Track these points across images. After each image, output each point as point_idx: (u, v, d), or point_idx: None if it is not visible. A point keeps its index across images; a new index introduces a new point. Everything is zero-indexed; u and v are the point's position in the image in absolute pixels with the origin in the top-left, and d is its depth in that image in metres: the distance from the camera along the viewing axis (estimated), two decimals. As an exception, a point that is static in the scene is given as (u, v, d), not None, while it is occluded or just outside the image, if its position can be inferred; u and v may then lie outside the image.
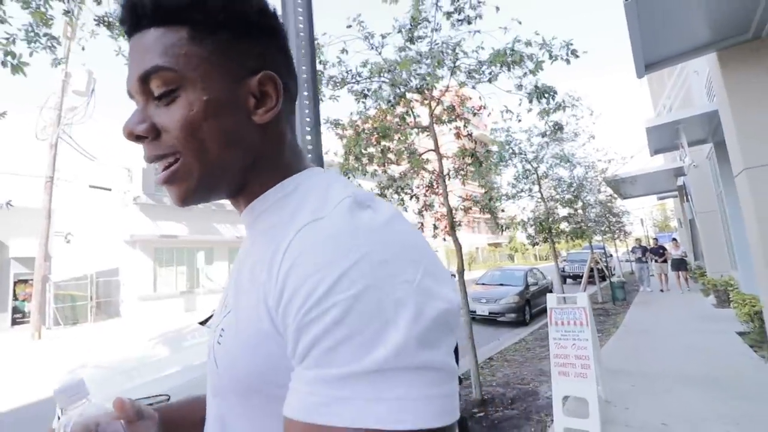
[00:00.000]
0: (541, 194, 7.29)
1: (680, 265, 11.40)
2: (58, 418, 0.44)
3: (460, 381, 4.80)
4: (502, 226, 6.46)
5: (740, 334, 5.36)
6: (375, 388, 0.31)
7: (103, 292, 17.34)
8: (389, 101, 3.51)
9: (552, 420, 3.09)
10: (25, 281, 15.88)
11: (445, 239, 4.52)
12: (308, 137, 1.18)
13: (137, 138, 0.45)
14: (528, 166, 6.64)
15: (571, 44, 3.18)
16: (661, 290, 11.56)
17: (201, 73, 0.43)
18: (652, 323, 6.98)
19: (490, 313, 8.79)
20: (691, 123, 6.61)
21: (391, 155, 4.09)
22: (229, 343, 0.43)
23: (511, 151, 5.99)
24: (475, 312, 9.35)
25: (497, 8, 3.38)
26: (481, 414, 3.49)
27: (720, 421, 2.93)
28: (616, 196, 13.14)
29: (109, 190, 16.08)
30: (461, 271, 3.95)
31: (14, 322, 15.33)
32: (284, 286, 0.37)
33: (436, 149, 4.06)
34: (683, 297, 10.03)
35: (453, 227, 3.96)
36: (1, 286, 15.10)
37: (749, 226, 4.44)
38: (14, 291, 15.54)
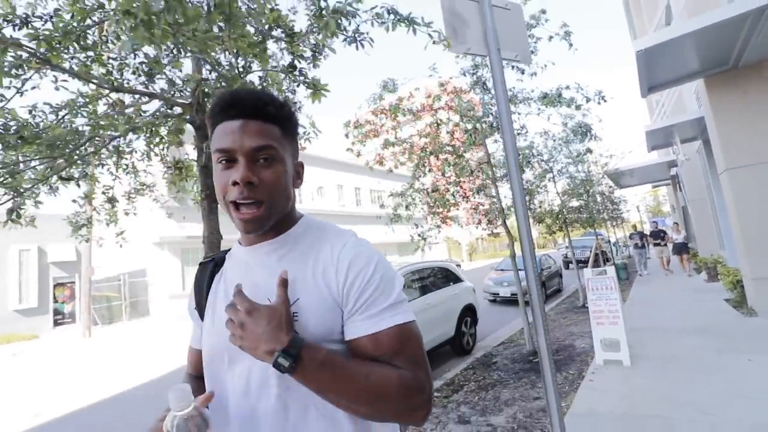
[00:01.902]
0: (557, 190, 8.49)
1: (682, 248, 11.33)
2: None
3: (512, 341, 6.05)
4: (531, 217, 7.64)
5: (726, 300, 6.62)
6: (398, 309, 0.73)
7: (133, 292, 18.37)
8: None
9: (592, 357, 4.31)
10: (63, 284, 16.86)
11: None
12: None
13: (248, 183, 0.71)
14: (545, 166, 7.80)
15: (602, 92, 4.36)
16: (666, 274, 11.58)
17: (285, 155, 0.77)
18: (653, 296, 8.24)
19: (511, 294, 10.04)
20: (683, 126, 7.83)
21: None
22: (306, 318, 0.71)
23: (531, 154, 7.14)
24: (497, 294, 10.61)
25: (553, 63, 4.55)
26: (536, 359, 4.71)
27: (710, 351, 4.16)
28: (615, 186, 14.40)
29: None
30: (513, 255, 5.15)
31: (56, 323, 16.30)
32: (347, 274, 0.72)
33: (488, 162, 5.24)
34: (679, 275, 11.16)
35: (505, 222, 5.15)
36: (42, 289, 16.04)
37: (731, 214, 5.68)
38: (54, 294, 16.49)
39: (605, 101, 4.30)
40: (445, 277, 6.25)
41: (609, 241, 18.38)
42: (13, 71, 2.07)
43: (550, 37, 4.20)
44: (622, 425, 2.82)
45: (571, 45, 4.06)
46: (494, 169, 5.31)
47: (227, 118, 0.73)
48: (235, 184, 0.70)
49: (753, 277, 5.45)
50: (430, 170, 5.45)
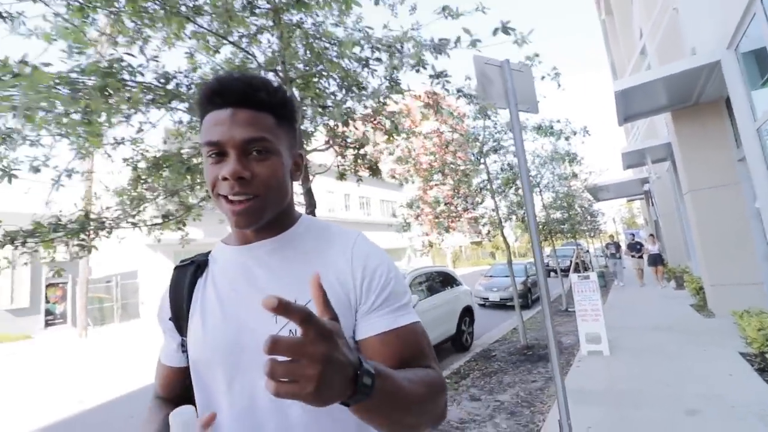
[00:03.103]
0: (543, 203, 9.36)
1: (657, 260, 11.35)
2: None
3: (506, 339, 6.77)
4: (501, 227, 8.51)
5: (691, 305, 7.53)
6: (409, 308, 0.73)
7: (124, 294, 18.45)
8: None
9: (578, 350, 5.07)
10: (56, 284, 16.83)
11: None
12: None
13: (239, 178, 0.65)
14: (533, 182, 8.65)
15: (587, 128, 5.19)
16: (640, 285, 11.58)
17: (282, 146, 0.70)
18: (628, 302, 9.15)
19: (500, 299, 10.85)
20: (655, 149, 8.81)
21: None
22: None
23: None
24: (487, 298, 11.39)
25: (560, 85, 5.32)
26: (530, 352, 5.45)
27: (674, 343, 4.97)
28: (593, 200, 15.50)
29: (140, 198, 17.17)
30: (510, 261, 5.90)
31: (47, 324, 16.25)
32: (365, 270, 0.71)
33: (489, 179, 6.00)
34: (653, 286, 11.79)
35: (503, 232, 5.91)
36: (35, 289, 16.00)
37: (693, 230, 6.60)
38: (46, 294, 16.45)
39: (589, 134, 5.13)
40: (447, 280, 6.95)
41: (588, 251, 19.52)
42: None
43: (543, 77, 4.99)
44: (605, 397, 3.55)
45: (559, 85, 4.84)
46: (492, 184, 6.07)
47: (215, 107, 0.67)
48: (225, 179, 0.65)
49: (711, 283, 6.34)
50: (436, 185, 6.16)
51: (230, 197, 0.66)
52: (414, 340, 0.70)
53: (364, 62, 2.74)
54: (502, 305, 10.92)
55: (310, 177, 2.66)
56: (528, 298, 11.02)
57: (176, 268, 0.83)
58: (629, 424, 2.98)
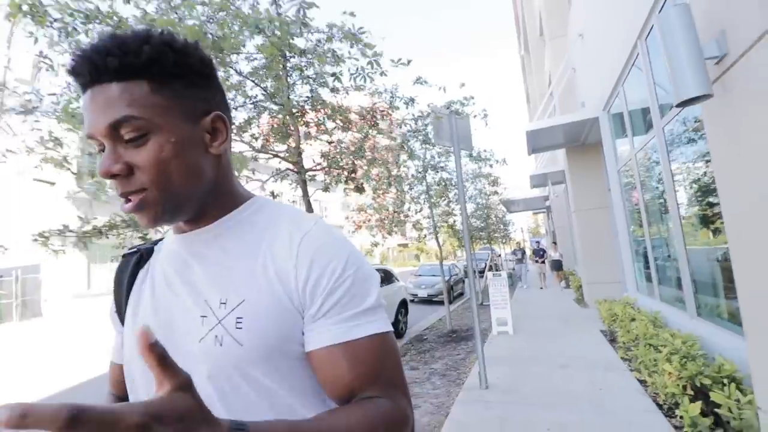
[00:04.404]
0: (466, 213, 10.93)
1: (557, 265, 12.70)
2: None
3: (434, 327, 8.01)
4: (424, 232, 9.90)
5: (575, 300, 9.52)
6: (374, 315, 0.59)
7: (25, 290, 16.71)
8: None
9: (490, 332, 6.43)
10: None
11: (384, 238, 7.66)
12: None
13: (112, 176, 0.52)
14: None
15: (505, 158, 6.63)
16: (541, 288, 12.67)
17: (165, 119, 0.53)
18: (529, 297, 11.08)
19: (428, 295, 12.26)
20: (554, 174, 10.85)
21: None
22: (253, 324, 0.55)
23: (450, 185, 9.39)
24: (416, 295, 12.74)
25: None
26: (455, 335, 6.72)
27: (560, 326, 6.57)
28: (506, 211, 17.86)
29: (53, 184, 15.67)
30: (441, 262, 7.14)
31: (-77, 322, 14.13)
32: (310, 269, 0.56)
33: (427, 192, 7.19)
34: (552, 288, 14.51)
35: (437, 237, 7.13)
36: None
37: (576, 240, 8.46)
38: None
39: (506, 164, 6.59)
40: (387, 277, 8.02)
41: (500, 255, 22.12)
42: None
43: (475, 116, 6.29)
44: (509, 360, 4.84)
45: (487, 123, 6.19)
46: (431, 197, 7.28)
47: (81, 89, 0.54)
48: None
49: (587, 282, 8.24)
50: (385, 193, 7.19)
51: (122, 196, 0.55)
52: (370, 359, 0.55)
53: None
54: (429, 301, 12.36)
55: (309, 191, 3.47)
56: (450, 294, 12.58)
57: (122, 257, 0.73)
58: (523, 375, 4.26)
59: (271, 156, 3.65)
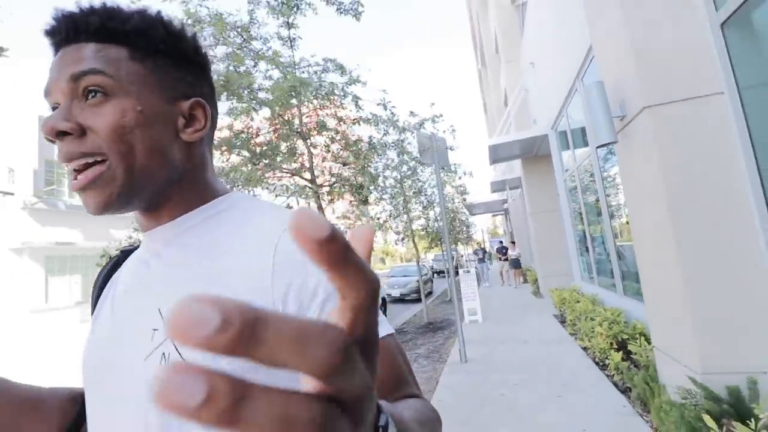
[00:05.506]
0: (435, 217, 11.91)
1: (515, 263, 13.27)
2: None
3: (411, 322, 8.86)
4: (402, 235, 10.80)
5: (532, 293, 10.73)
6: (381, 318, 0.47)
7: (-25, 307, 15.85)
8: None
9: (462, 321, 7.37)
10: None
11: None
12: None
13: (58, 134, 0.45)
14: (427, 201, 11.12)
15: (472, 171, 7.61)
16: (502, 285, 13.36)
17: (138, 87, 0.48)
18: (492, 292, 12.24)
19: (401, 294, 13.12)
20: (512, 180, 12.09)
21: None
22: None
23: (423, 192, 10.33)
24: (389, 294, 13.56)
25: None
26: (432, 326, 7.60)
27: (519, 314, 7.63)
28: (468, 214, 19.19)
29: (12, 194, 15.00)
30: (418, 261, 8.01)
31: None
32: (292, 278, 0.44)
33: (405, 200, 8.04)
34: (512, 284, 15.83)
35: (414, 240, 8.00)
36: None
37: (532, 240, 9.65)
38: None
39: (472, 176, 7.62)
40: (367, 277, 8.79)
41: (462, 255, 23.53)
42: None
43: (444, 131, 7.25)
44: (480, 341, 5.76)
45: (455, 138, 7.17)
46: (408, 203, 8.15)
47: (54, 50, 0.50)
48: (49, 140, 0.47)
49: (542, 275, 9.44)
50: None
51: (69, 166, 0.46)
52: (390, 360, 0.48)
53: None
54: (401, 300, 13.22)
55: (323, 203, 4.18)
56: (420, 293, 13.51)
57: (109, 259, 0.66)
58: (494, 351, 5.18)
59: (285, 174, 4.34)
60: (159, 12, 0.53)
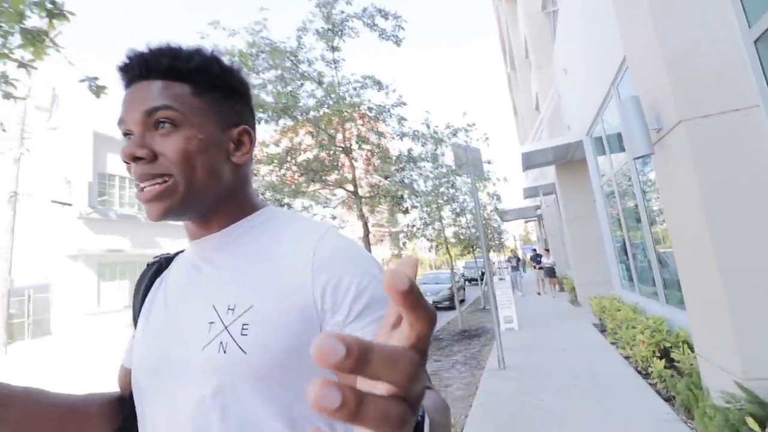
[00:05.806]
0: (467, 224, 11.96)
1: (550, 272, 13.08)
2: None
3: (444, 329, 8.96)
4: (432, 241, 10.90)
5: (569, 301, 10.55)
6: None
7: (36, 309, 17.15)
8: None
9: (498, 329, 7.40)
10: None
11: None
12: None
13: (135, 159, 0.55)
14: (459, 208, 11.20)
15: (506, 177, 7.71)
16: (538, 293, 13.11)
17: (199, 118, 0.59)
18: (526, 300, 12.10)
19: (433, 302, 13.19)
20: (545, 186, 11.97)
21: None
22: (259, 332, 0.52)
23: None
24: (422, 302, 13.64)
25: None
26: (467, 333, 7.67)
27: (557, 322, 7.56)
28: (500, 221, 19.01)
29: (70, 205, 16.27)
30: (452, 269, 8.12)
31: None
32: (327, 281, 0.54)
33: (439, 216, 8.20)
34: (547, 294, 15.51)
35: (448, 248, 8.13)
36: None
37: (568, 247, 9.53)
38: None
39: (507, 181, 7.72)
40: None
41: (494, 263, 23.24)
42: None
43: (478, 140, 7.37)
44: (521, 349, 5.80)
45: (489, 146, 7.28)
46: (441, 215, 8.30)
47: (126, 85, 0.60)
48: (126, 163, 0.56)
49: (579, 283, 9.29)
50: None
51: (140, 185, 0.57)
52: None
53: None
54: (435, 307, 13.24)
55: (366, 214, 4.43)
56: (454, 300, 13.53)
57: (147, 266, 0.74)
58: (532, 358, 5.22)
59: (329, 186, 4.62)
60: (213, 51, 0.64)
